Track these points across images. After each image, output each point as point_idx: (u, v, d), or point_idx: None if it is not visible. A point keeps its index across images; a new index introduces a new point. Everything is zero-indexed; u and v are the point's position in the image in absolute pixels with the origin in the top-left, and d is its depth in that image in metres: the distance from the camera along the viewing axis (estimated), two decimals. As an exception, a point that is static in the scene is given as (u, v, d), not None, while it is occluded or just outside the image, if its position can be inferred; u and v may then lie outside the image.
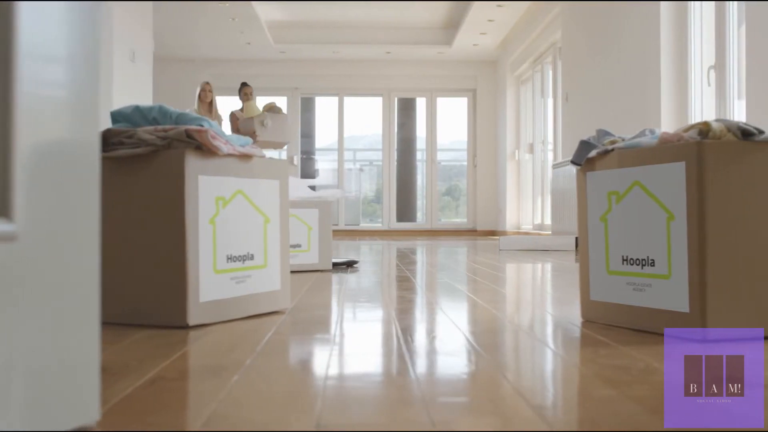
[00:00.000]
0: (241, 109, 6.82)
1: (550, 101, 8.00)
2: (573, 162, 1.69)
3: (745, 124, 1.45)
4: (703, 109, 4.56)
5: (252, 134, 6.52)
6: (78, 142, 0.83)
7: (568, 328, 1.64)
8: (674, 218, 1.46)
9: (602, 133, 1.70)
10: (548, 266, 3.75)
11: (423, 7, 8.54)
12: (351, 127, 10.78)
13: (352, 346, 1.40)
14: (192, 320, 1.59)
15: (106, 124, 1.77)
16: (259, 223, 1.80)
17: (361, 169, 11.24)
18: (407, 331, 1.57)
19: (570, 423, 0.87)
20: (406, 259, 4.30)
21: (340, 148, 10.26)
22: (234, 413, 0.90)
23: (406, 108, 10.77)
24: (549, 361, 1.29)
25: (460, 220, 10.83)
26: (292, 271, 3.18)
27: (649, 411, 0.91)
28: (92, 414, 0.85)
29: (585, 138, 1.72)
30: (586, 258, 1.70)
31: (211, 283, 1.65)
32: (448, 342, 1.45)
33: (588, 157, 1.67)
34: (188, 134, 1.60)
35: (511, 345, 1.46)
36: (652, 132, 1.59)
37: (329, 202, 3.38)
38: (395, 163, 10.46)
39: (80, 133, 0.83)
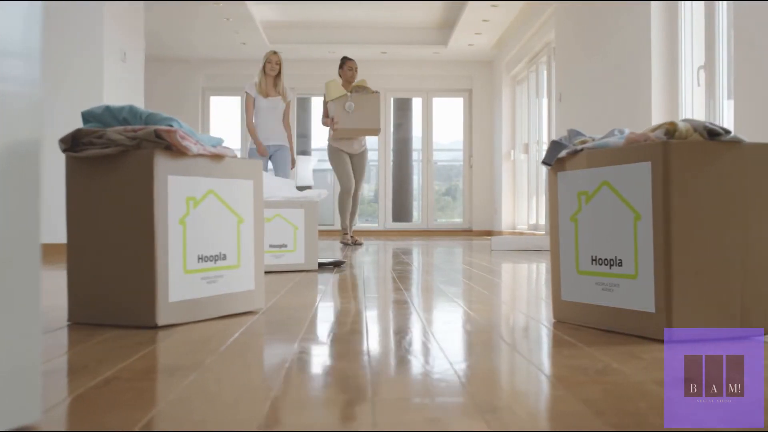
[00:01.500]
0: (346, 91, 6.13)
1: (545, 101, 7.99)
2: (544, 162, 1.69)
3: (711, 124, 1.45)
4: (693, 109, 4.56)
5: (331, 123, 6.01)
6: (17, 141, 0.83)
7: (538, 328, 1.63)
8: (641, 218, 1.46)
9: (573, 133, 1.70)
10: (534, 266, 3.74)
11: (418, 7, 8.53)
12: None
13: (318, 348, 1.40)
14: (161, 320, 1.59)
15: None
16: (232, 223, 1.80)
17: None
18: (376, 333, 1.57)
19: (510, 423, 0.87)
20: (395, 259, 4.30)
21: (336, 148, 10.26)
22: (179, 414, 0.90)
23: (403, 108, 10.77)
24: (507, 361, 1.29)
25: (457, 220, 10.82)
26: (277, 272, 3.19)
27: (595, 413, 0.91)
28: (33, 414, 0.84)
29: (556, 138, 1.72)
30: (557, 258, 1.70)
31: (181, 283, 1.65)
32: (414, 342, 1.45)
33: (558, 157, 1.67)
34: (157, 134, 1.59)
35: (474, 345, 1.46)
36: (621, 132, 1.59)
37: (315, 202, 3.38)
38: (391, 163, 10.46)
39: (20, 132, 0.83)
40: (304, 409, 0.93)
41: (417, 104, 10.64)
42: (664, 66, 4.73)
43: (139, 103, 5.49)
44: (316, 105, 11.02)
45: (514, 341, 1.46)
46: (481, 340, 1.49)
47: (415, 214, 10.77)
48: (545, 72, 7.95)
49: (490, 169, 10.28)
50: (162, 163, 1.60)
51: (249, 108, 5.70)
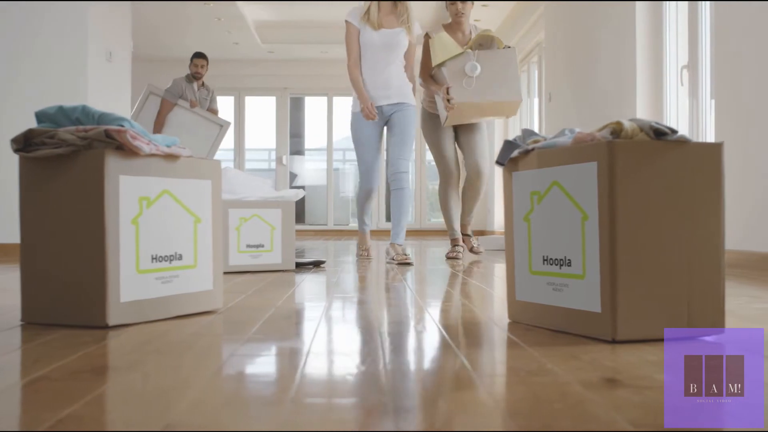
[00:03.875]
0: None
1: (536, 101, 7.99)
2: (497, 162, 1.69)
3: (658, 123, 1.44)
4: (678, 109, 4.55)
5: (445, 93, 3.85)
6: None
7: (490, 329, 1.63)
8: (588, 218, 1.46)
9: (528, 133, 1.70)
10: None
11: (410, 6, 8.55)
12: (341, 127, 10.77)
13: (260, 349, 1.40)
14: (112, 320, 1.59)
15: (33, 123, 1.77)
16: (188, 223, 1.80)
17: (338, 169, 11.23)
18: (324, 333, 1.57)
19: (417, 423, 0.86)
20: (377, 258, 4.30)
21: (329, 148, 10.26)
22: (91, 414, 0.90)
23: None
24: (439, 362, 1.28)
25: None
26: (254, 272, 3.18)
27: (507, 413, 0.91)
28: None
29: (510, 138, 1.72)
30: (511, 258, 1.70)
31: (133, 283, 1.64)
32: (356, 341, 1.45)
33: (511, 157, 1.67)
34: (108, 134, 1.59)
35: (417, 345, 1.45)
36: (571, 131, 1.58)
37: (292, 203, 3.37)
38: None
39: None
40: (216, 410, 0.93)
41: (410, 104, 10.63)
42: (649, 65, 4.72)
43: (126, 104, 5.49)
44: (310, 105, 11.03)
45: (458, 341, 1.46)
46: (426, 340, 1.49)
47: (409, 214, 10.76)
48: (536, 72, 7.95)
49: (484, 169, 10.28)
50: (113, 163, 1.60)
51: (352, 46, 3.95)
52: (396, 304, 2.09)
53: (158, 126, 6.15)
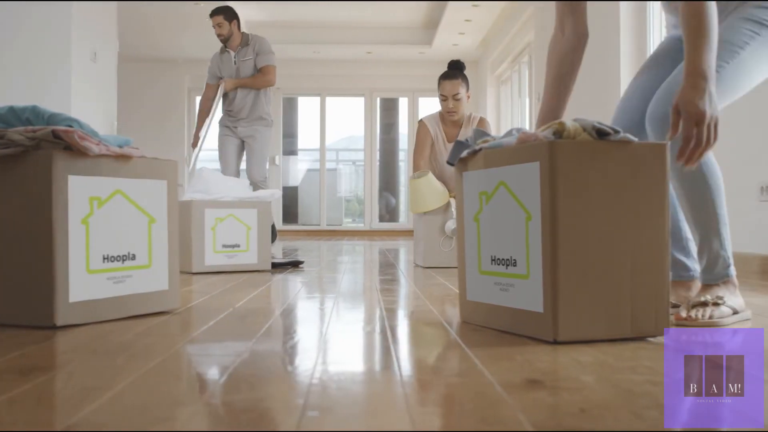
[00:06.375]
0: None
1: (527, 101, 7.98)
2: (448, 162, 1.68)
3: (600, 123, 1.44)
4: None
5: None
6: None
7: (438, 328, 1.63)
8: (531, 218, 1.46)
9: (478, 133, 1.69)
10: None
11: (402, 7, 8.52)
12: (334, 127, 10.78)
13: (199, 350, 1.40)
14: (60, 320, 1.59)
15: None
16: (142, 223, 1.80)
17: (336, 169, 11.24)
18: (270, 334, 1.57)
19: (324, 423, 0.86)
20: (357, 257, 4.29)
21: (322, 149, 10.26)
22: (-3, 414, 0.90)
23: (389, 108, 10.77)
24: (370, 362, 1.28)
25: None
26: (229, 272, 3.18)
27: (412, 414, 0.90)
28: None
29: (461, 138, 1.71)
30: (462, 258, 1.70)
31: (83, 283, 1.64)
32: (305, 340, 1.45)
33: (461, 157, 1.66)
34: (55, 134, 1.59)
35: (361, 344, 1.45)
36: (518, 131, 1.58)
37: (268, 203, 3.37)
38: (378, 163, 10.45)
39: None
40: (126, 410, 0.93)
41: (403, 104, 10.63)
42: (634, 65, 4.71)
43: (112, 104, 5.49)
44: (303, 105, 11.03)
45: (397, 341, 1.45)
46: (370, 339, 1.48)
47: (402, 214, 10.76)
48: (527, 72, 7.94)
49: (477, 169, 10.27)
50: (61, 163, 1.60)
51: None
52: (357, 306, 2.09)
53: (202, 114, 4.94)
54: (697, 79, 1.46)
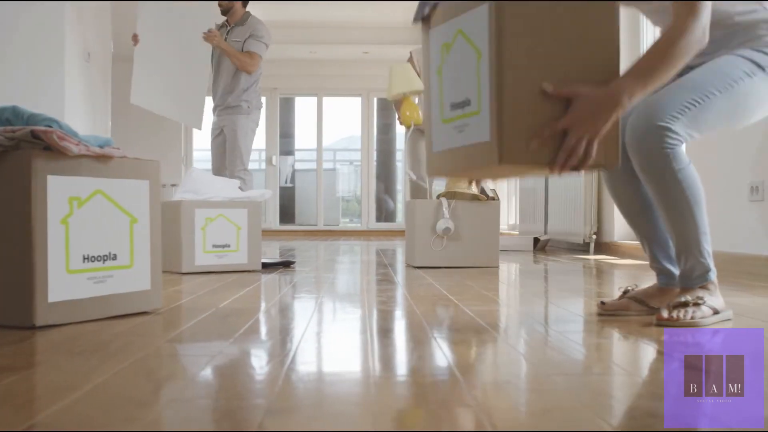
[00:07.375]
0: None
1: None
2: (414, 19, 1.67)
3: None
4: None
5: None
6: None
7: (419, 330, 1.63)
8: (481, 55, 1.44)
9: None
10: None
11: (398, 7, 8.53)
12: (331, 127, 10.78)
13: (175, 350, 1.40)
14: (39, 320, 1.59)
15: None
16: (123, 223, 1.80)
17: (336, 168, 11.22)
18: (248, 334, 1.57)
19: (280, 423, 0.86)
20: (353, 257, 4.29)
21: (319, 149, 10.26)
22: (-40, 414, 0.90)
23: (386, 108, 10.77)
24: (350, 362, 1.28)
25: (441, 220, 10.81)
26: (219, 272, 3.18)
27: (382, 403, 0.90)
28: None
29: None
30: (428, 115, 1.64)
31: (62, 283, 1.64)
32: (281, 340, 1.45)
33: (424, 15, 1.65)
34: (34, 134, 1.59)
35: (334, 345, 1.45)
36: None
37: (258, 203, 3.37)
38: (375, 163, 10.45)
39: None
40: (89, 410, 0.93)
41: (401, 104, 10.62)
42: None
43: (106, 104, 5.49)
44: (300, 105, 11.04)
45: (374, 342, 1.45)
46: (347, 340, 1.48)
47: (399, 214, 10.76)
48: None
49: (474, 170, 10.27)
50: (40, 163, 1.60)
51: None
52: (341, 306, 2.09)
53: None
54: (621, 98, 1.46)
